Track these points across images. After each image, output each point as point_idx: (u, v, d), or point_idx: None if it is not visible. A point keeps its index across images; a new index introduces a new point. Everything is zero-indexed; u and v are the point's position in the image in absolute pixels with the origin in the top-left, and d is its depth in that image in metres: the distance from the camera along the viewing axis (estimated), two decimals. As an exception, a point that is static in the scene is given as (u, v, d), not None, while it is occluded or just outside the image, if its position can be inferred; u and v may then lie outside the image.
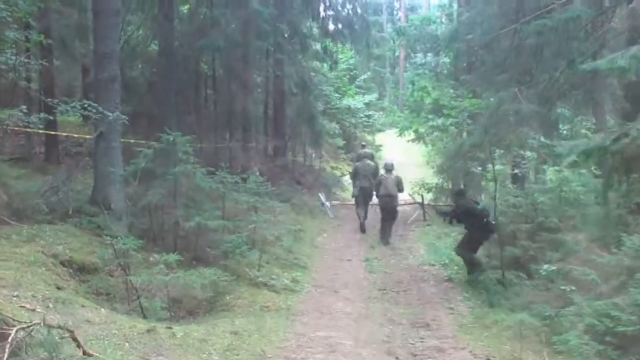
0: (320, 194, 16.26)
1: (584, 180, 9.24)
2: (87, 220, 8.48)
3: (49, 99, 9.32)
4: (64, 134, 13.16)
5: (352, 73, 27.94)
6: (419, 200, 15.40)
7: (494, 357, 6.02)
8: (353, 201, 14.45)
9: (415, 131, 18.01)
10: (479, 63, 10.71)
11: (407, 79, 28.84)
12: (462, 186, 13.61)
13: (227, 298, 7.81)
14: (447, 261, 10.60)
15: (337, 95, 24.01)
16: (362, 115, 26.33)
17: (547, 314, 6.40)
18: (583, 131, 11.58)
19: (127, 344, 5.20)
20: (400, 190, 12.60)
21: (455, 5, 19.94)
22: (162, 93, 13.69)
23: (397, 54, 38.17)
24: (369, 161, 14.15)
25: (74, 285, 6.84)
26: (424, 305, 8.28)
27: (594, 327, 5.37)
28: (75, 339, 4.14)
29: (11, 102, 9.85)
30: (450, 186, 16.16)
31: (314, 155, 20.53)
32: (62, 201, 8.87)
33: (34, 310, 5.19)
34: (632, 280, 5.69)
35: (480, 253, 9.95)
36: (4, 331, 3.75)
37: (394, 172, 12.72)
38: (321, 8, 18.49)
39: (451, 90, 14.91)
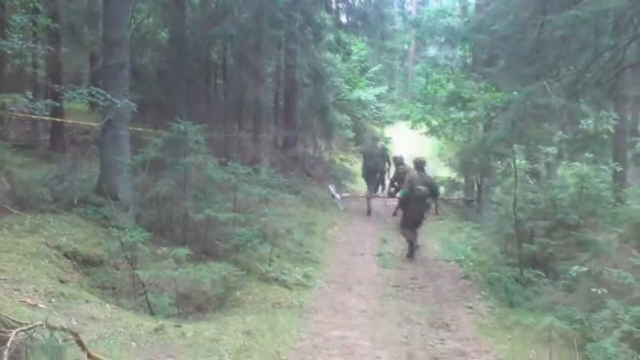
0: (330, 186, 15.97)
1: (604, 176, 8.89)
2: (93, 211, 8.29)
3: (56, 86, 9.07)
4: (70, 121, 12.91)
5: (363, 65, 27.59)
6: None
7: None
8: (363, 193, 14.80)
9: (428, 124, 17.64)
10: (503, 55, 10.29)
11: (417, 71, 28.67)
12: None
13: (238, 294, 7.54)
14: (462, 257, 10.35)
15: (347, 86, 23.70)
16: (372, 107, 26.04)
17: (577, 317, 6.06)
18: (605, 126, 11.14)
19: (133, 344, 4.97)
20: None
21: (472, -3, 19.60)
22: (173, 82, 13.52)
23: (408, 47, 37.78)
24: (377, 144, 15.29)
25: (78, 279, 6.62)
26: (441, 303, 8.00)
27: (631, 334, 5.02)
28: (79, 342, 3.84)
29: (17, 88, 9.62)
30: (463, 180, 15.89)
31: (323, 147, 20.21)
32: (67, 190, 8.68)
33: (35, 305, 4.96)
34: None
35: (497, 250, 9.62)
36: (2, 334, 3.42)
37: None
38: (334, -1, 18.07)
39: (473, 83, 14.53)
